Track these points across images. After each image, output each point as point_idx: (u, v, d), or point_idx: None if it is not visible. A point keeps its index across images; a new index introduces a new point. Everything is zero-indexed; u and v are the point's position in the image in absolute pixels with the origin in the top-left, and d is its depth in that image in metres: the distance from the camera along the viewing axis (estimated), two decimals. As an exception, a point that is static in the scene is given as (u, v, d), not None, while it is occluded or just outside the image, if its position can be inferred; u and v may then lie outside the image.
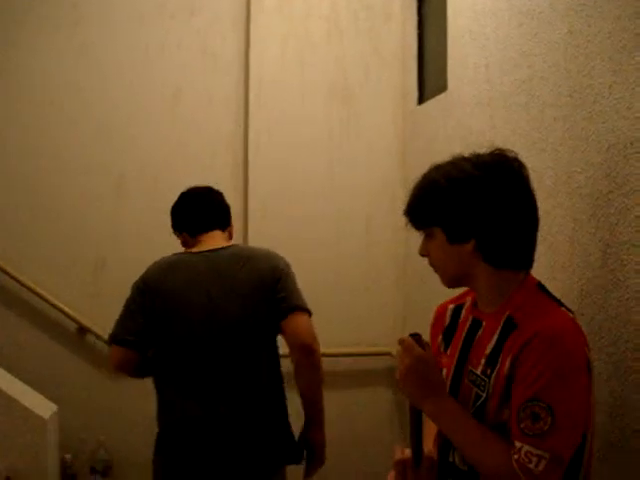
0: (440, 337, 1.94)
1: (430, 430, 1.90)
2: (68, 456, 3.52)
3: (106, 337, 3.96)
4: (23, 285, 3.99)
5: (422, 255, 1.84)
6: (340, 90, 4.27)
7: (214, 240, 2.83)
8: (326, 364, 3.85)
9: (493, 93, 2.82)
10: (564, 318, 1.66)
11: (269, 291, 2.66)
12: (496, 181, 1.69)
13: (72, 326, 4.06)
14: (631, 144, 1.90)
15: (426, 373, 1.72)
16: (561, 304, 1.72)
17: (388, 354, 4.17)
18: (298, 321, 2.65)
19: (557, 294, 2.12)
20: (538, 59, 2.43)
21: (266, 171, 4.18)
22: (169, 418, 2.63)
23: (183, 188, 3.48)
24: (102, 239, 4.10)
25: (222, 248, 2.79)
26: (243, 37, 4.24)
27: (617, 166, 1.98)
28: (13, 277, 3.97)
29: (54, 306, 4.01)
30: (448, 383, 1.80)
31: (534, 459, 1.55)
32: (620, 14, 1.95)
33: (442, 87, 3.52)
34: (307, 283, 4.04)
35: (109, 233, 4.11)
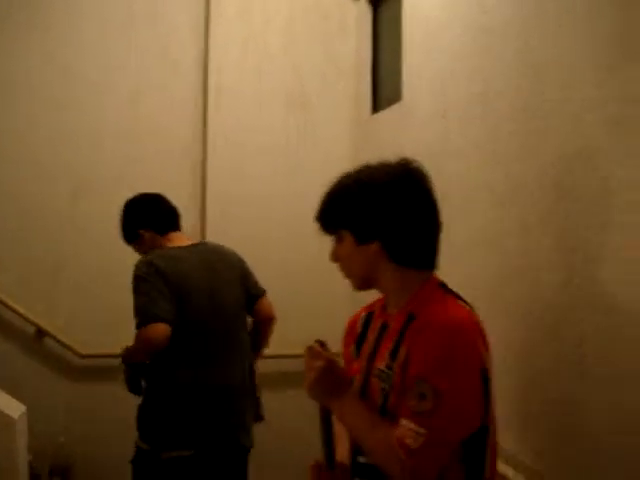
0: (353, 346, 1.99)
1: (344, 433, 1.96)
2: (29, 457, 3.56)
3: (64, 340, 4.04)
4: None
5: (333, 261, 1.92)
6: (297, 98, 4.36)
7: (183, 238, 3.15)
8: (282, 365, 3.99)
9: (448, 105, 2.92)
10: (458, 310, 1.75)
11: (243, 278, 3.20)
12: (399, 187, 1.80)
13: (30, 329, 4.09)
14: (578, 156, 2.03)
15: (332, 377, 1.80)
16: (459, 298, 1.81)
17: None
18: (267, 301, 3.29)
19: (508, 295, 2.26)
20: (492, 74, 2.55)
21: (224, 175, 4.26)
22: (191, 383, 2.93)
23: (142, 190, 3.59)
24: (60, 243, 4.12)
25: (199, 243, 3.25)
26: (202, 43, 4.31)
27: (564, 176, 2.10)
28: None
29: (12, 309, 4.04)
30: (359, 385, 1.86)
31: (412, 434, 1.60)
32: (571, 34, 2.08)
33: (396, 97, 3.61)
34: (262, 282, 4.17)
35: (68, 236, 4.13)
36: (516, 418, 2.34)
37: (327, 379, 1.80)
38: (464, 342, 1.67)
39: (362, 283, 1.91)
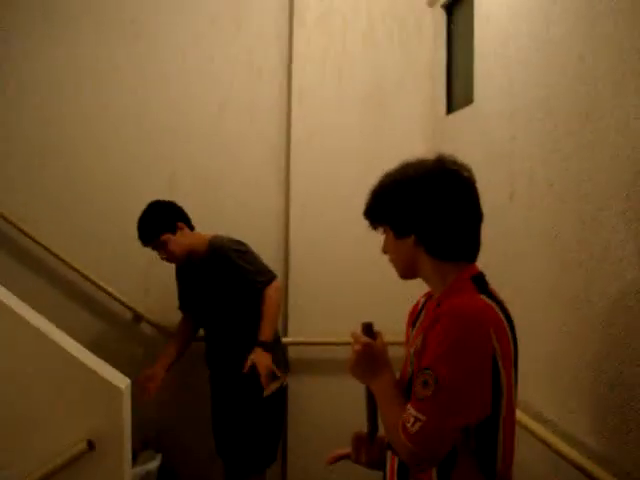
0: (410, 327, 2.13)
1: None
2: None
3: (160, 323, 4.34)
4: (87, 278, 4.37)
5: (383, 252, 2.07)
6: (374, 100, 4.54)
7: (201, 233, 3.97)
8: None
9: (515, 108, 3.11)
10: (472, 302, 1.82)
11: None
12: (430, 182, 1.91)
13: (128, 314, 4.44)
14: (627, 157, 2.23)
15: (371, 357, 1.96)
16: (484, 292, 1.88)
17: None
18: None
19: (565, 285, 2.44)
20: (553, 80, 2.74)
21: (306, 176, 4.50)
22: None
23: (231, 192, 3.92)
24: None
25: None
26: (286, 49, 4.55)
27: (617, 175, 2.30)
28: (77, 270, 4.36)
29: (111, 295, 4.39)
30: (405, 366, 2.01)
31: (412, 419, 1.73)
32: (621, 47, 2.28)
33: (469, 100, 3.80)
34: (342, 279, 4.45)
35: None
36: (575, 398, 2.54)
37: (363, 361, 1.97)
38: (470, 331, 1.75)
39: (405, 273, 2.03)
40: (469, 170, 1.98)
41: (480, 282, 1.93)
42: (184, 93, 4.51)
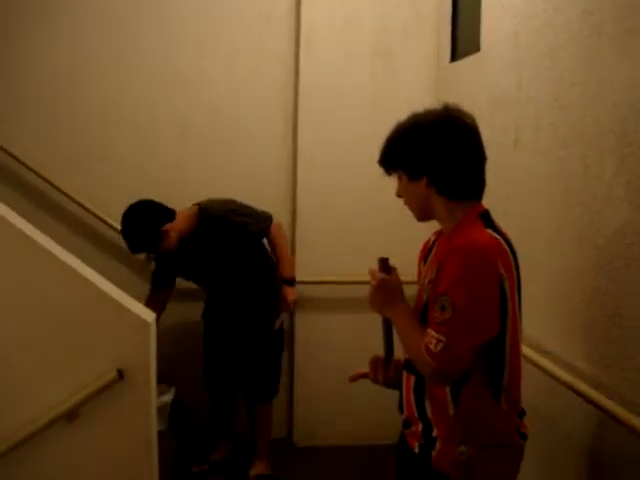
0: (422, 262, 2.33)
1: None
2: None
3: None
4: (103, 221, 4.55)
5: (398, 196, 2.24)
6: (381, 47, 4.66)
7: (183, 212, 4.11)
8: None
9: (521, 57, 3.23)
10: (480, 234, 2.02)
11: None
12: (439, 128, 2.10)
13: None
14: (630, 106, 2.37)
15: (387, 290, 2.17)
16: (490, 227, 2.07)
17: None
18: None
19: (568, 225, 2.59)
20: (559, 32, 2.86)
21: (314, 121, 4.63)
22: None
23: (241, 132, 4.39)
24: (167, 179, 4.59)
25: None
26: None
27: (620, 122, 2.43)
28: (94, 214, 4.54)
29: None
30: (417, 295, 2.24)
31: (434, 341, 1.93)
32: (625, 2, 2.40)
33: (475, 49, 3.90)
34: (349, 222, 4.57)
35: (173, 174, 4.62)
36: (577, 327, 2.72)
37: (380, 293, 2.19)
38: (480, 261, 1.95)
39: (421, 215, 2.22)
40: (472, 117, 2.16)
41: (486, 218, 2.12)
42: (194, 39, 4.62)
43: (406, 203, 2.24)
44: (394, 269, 2.21)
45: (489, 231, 2.06)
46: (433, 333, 1.95)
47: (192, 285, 4.36)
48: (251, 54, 4.65)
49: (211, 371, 4.34)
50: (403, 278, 2.22)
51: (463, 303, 1.92)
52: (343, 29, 4.62)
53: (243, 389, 4.25)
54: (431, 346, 1.94)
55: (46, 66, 4.50)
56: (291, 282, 4.05)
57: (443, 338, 1.92)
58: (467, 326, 1.94)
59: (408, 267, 2.46)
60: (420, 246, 2.41)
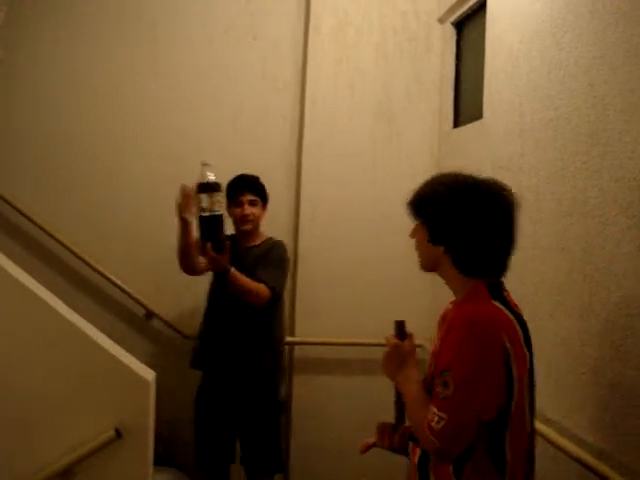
0: (438, 331, 2.23)
1: None
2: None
3: (171, 321, 4.46)
4: (99, 273, 4.49)
5: (411, 237, 2.18)
6: (384, 111, 4.71)
7: None
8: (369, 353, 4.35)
9: (524, 126, 3.28)
10: (484, 306, 1.96)
11: None
12: (472, 201, 2.01)
13: (140, 310, 4.57)
14: (634, 178, 2.41)
15: (399, 356, 2.16)
16: (497, 298, 2.00)
17: (419, 346, 4.58)
18: None
19: (570, 295, 2.60)
20: (563, 103, 2.91)
21: (317, 179, 4.64)
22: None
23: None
24: (170, 238, 4.51)
25: None
26: (300, 59, 4.72)
27: (623, 194, 2.47)
28: (96, 269, 4.49)
29: (125, 291, 4.51)
30: (428, 367, 2.16)
31: (436, 418, 1.88)
32: (630, 78, 2.46)
33: (477, 115, 3.96)
34: (352, 278, 4.59)
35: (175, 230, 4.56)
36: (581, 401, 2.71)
37: (392, 360, 2.18)
38: (482, 335, 1.89)
39: (426, 269, 2.19)
40: (512, 193, 2.13)
41: (494, 289, 2.05)
42: (198, 100, 4.66)
43: (416, 249, 2.20)
44: (410, 335, 2.22)
45: (494, 302, 2.00)
46: (435, 410, 1.91)
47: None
48: (255, 114, 4.69)
49: (206, 444, 3.97)
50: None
51: (465, 380, 1.88)
52: (347, 92, 4.68)
53: (247, 463, 3.94)
54: (433, 423, 1.90)
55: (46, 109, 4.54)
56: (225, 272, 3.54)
57: (444, 416, 1.88)
58: (469, 404, 1.89)
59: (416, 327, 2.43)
60: (418, 304, 2.44)
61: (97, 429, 2.82)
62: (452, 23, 4.58)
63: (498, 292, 2.06)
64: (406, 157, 4.69)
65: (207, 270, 3.79)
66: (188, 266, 3.80)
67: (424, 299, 4.61)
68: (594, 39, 2.70)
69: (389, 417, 2.32)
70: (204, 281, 3.99)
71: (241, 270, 3.57)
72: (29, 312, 2.83)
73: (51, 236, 4.44)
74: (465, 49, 4.52)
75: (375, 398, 4.53)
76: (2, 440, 2.76)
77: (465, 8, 4.34)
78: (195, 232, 3.52)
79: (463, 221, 2.01)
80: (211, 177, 3.27)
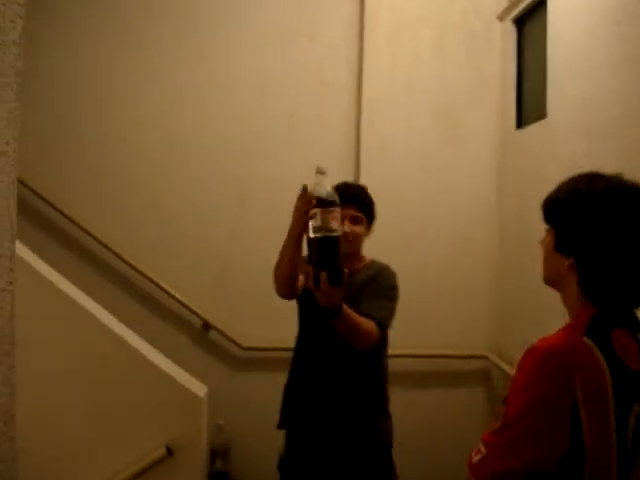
0: None
1: None
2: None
3: (228, 333, 4.40)
4: (162, 289, 4.47)
5: (541, 244, 1.81)
6: (444, 111, 4.58)
7: None
8: (422, 365, 4.22)
9: (590, 125, 3.12)
10: (563, 342, 1.61)
11: None
12: (614, 207, 1.63)
13: (198, 322, 4.51)
14: None
15: None
16: (593, 334, 1.61)
17: (484, 357, 4.51)
18: None
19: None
20: (631, 99, 2.75)
21: (376, 185, 4.46)
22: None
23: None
24: (227, 245, 4.53)
25: None
26: (356, 61, 4.60)
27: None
28: (154, 282, 4.47)
29: (182, 304, 4.47)
30: None
31: (477, 450, 1.61)
32: None
33: (541, 115, 3.81)
34: (408, 287, 4.46)
35: (232, 243, 4.54)
36: None
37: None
38: (548, 372, 1.58)
39: (546, 282, 1.81)
40: None
41: (600, 322, 1.64)
42: (254, 105, 4.58)
43: (543, 257, 1.81)
44: None
45: (585, 339, 1.60)
46: (480, 441, 1.64)
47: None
48: (311, 119, 4.60)
49: None
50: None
51: (514, 417, 1.59)
52: (404, 93, 4.56)
53: None
54: (472, 454, 1.63)
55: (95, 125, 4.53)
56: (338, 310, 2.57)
57: (484, 450, 1.61)
58: (511, 444, 1.59)
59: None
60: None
61: (148, 447, 2.78)
62: (512, 20, 4.43)
63: (603, 327, 1.64)
64: (467, 159, 4.57)
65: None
66: (291, 290, 2.86)
67: (484, 306, 4.56)
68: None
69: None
70: (263, 292, 3.89)
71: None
72: (79, 328, 2.80)
73: (107, 247, 4.44)
74: (526, 46, 4.36)
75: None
76: (52, 458, 2.72)
77: (525, 4, 4.18)
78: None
79: (601, 228, 1.63)
80: (328, 188, 2.53)
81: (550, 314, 3.62)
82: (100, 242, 4.42)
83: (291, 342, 4.25)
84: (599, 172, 1.71)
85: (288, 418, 2.99)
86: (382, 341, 2.87)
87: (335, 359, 2.88)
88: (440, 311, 4.44)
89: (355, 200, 2.98)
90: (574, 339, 1.61)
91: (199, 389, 2.84)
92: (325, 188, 2.50)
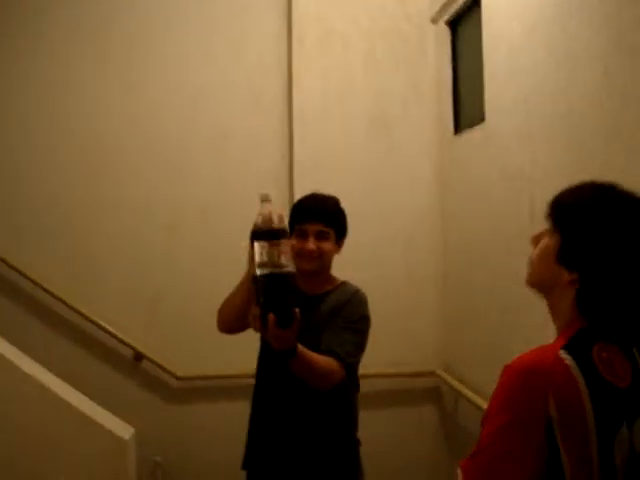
0: None
1: None
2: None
3: (161, 362, 4.17)
4: (86, 317, 4.18)
5: (531, 242, 1.64)
6: (379, 121, 4.41)
7: None
8: (370, 385, 4.02)
9: (533, 127, 2.97)
10: (538, 358, 1.49)
11: None
12: (636, 233, 1.51)
13: (128, 352, 4.24)
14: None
15: None
16: (572, 348, 1.47)
17: (433, 374, 4.34)
18: None
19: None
20: (575, 96, 2.60)
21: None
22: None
23: (232, 224, 3.70)
24: (157, 273, 4.29)
25: None
26: (286, 76, 4.42)
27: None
28: (78, 311, 4.17)
29: (111, 334, 4.20)
30: None
31: (457, 475, 1.47)
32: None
33: (479, 119, 3.67)
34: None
35: (164, 267, 4.29)
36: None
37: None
38: (518, 392, 1.46)
39: (533, 287, 1.66)
40: None
41: (580, 336, 1.51)
42: (184, 125, 4.37)
43: (532, 259, 1.63)
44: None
45: (561, 352, 1.46)
46: (459, 467, 1.48)
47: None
48: (241, 135, 4.41)
49: None
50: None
51: (486, 441, 1.46)
52: (337, 106, 4.40)
53: None
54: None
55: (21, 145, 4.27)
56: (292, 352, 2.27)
57: (461, 476, 1.46)
58: (485, 470, 1.45)
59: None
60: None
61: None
62: (446, 22, 4.29)
63: (585, 342, 1.50)
64: (405, 169, 4.42)
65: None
66: (237, 327, 2.60)
67: (429, 322, 4.43)
68: (607, 22, 2.39)
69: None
70: (196, 319, 3.67)
71: (303, 330, 2.24)
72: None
73: (25, 276, 4.18)
74: (461, 49, 4.23)
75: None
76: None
77: (459, 5, 4.05)
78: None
79: (618, 250, 1.49)
80: (275, 218, 2.15)
81: (498, 326, 3.51)
82: (17, 270, 4.15)
83: (229, 369, 4.10)
84: (617, 184, 1.57)
85: (250, 459, 2.72)
86: (350, 377, 2.58)
87: (295, 396, 2.59)
88: (387, 329, 4.21)
89: (321, 215, 2.68)
90: (547, 354, 1.47)
91: (125, 431, 2.62)
92: (272, 217, 2.13)
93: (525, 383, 1.44)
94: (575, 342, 1.48)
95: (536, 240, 1.62)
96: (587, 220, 1.53)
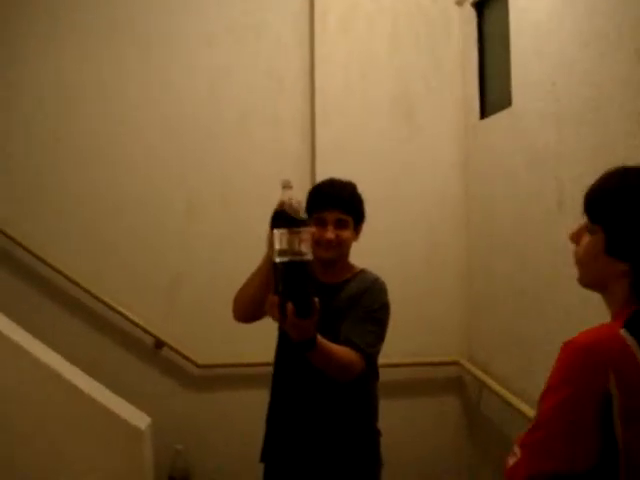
0: None
1: None
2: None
3: (182, 350, 4.13)
4: (106, 305, 4.16)
5: (571, 240, 1.62)
6: (402, 104, 4.33)
7: None
8: (391, 374, 3.96)
9: (561, 110, 2.89)
10: (599, 335, 1.48)
11: None
12: None
13: (149, 340, 4.21)
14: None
15: None
16: (631, 326, 1.46)
17: (456, 363, 4.27)
18: None
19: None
20: (605, 78, 2.52)
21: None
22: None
23: (252, 209, 3.62)
24: (177, 261, 4.24)
25: None
26: (308, 55, 4.35)
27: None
28: (98, 298, 4.14)
29: (132, 322, 4.17)
30: None
31: (511, 454, 1.48)
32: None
33: (506, 103, 3.59)
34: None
35: (182, 252, 4.25)
36: None
37: None
38: (577, 369, 1.45)
39: (588, 285, 1.64)
40: None
41: (638, 316, 1.49)
42: (204, 105, 4.31)
43: (578, 258, 1.62)
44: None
45: (622, 330, 1.45)
46: (515, 444, 1.49)
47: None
48: (261, 118, 4.34)
49: None
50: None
51: (543, 418, 1.47)
52: (360, 88, 4.31)
53: None
54: (508, 458, 1.49)
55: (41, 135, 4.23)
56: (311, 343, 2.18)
57: (517, 452, 1.47)
58: (541, 447, 1.45)
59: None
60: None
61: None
62: (471, 4, 4.20)
63: (633, 317, 1.49)
64: (428, 152, 4.33)
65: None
66: (253, 316, 2.53)
67: (453, 309, 4.34)
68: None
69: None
70: (217, 307, 3.61)
71: (321, 319, 2.13)
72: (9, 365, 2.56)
73: (45, 262, 4.14)
74: (488, 31, 4.13)
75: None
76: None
77: (485, -15, 3.94)
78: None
79: None
80: (296, 205, 2.12)
81: (522, 313, 3.43)
82: (37, 256, 4.11)
83: (249, 356, 4.05)
84: None
85: (269, 451, 2.66)
86: (370, 368, 2.52)
87: (314, 386, 2.53)
88: (408, 317, 4.15)
89: (340, 202, 2.62)
90: (609, 332, 1.48)
91: (140, 420, 2.57)
92: (292, 205, 2.10)
93: (586, 359, 1.44)
94: (633, 322, 1.47)
95: (576, 237, 1.60)
96: (629, 209, 1.50)
